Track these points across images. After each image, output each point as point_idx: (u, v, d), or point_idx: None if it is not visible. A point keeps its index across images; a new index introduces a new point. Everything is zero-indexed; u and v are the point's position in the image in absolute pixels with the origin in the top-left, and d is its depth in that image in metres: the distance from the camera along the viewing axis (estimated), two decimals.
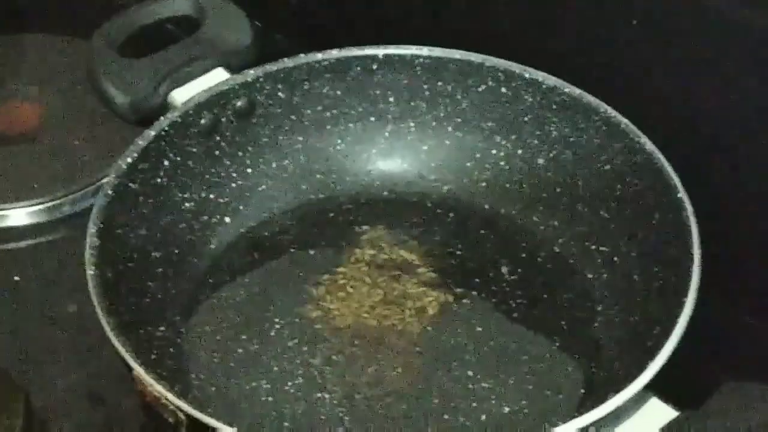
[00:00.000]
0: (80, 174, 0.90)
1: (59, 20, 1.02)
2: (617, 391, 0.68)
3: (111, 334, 0.69)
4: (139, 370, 0.68)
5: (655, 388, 0.68)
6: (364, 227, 0.86)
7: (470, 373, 0.77)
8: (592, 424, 0.66)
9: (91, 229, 0.75)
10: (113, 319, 0.70)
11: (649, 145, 0.79)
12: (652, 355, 0.69)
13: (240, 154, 0.86)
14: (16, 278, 0.85)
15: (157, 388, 0.68)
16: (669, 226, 0.76)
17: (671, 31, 0.81)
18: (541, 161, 0.85)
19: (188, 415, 0.67)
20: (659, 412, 0.68)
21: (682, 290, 0.72)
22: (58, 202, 0.89)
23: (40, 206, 0.89)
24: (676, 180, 0.77)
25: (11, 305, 0.84)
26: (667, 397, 0.68)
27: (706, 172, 0.81)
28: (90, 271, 0.73)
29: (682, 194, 0.76)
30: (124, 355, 0.68)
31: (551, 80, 0.84)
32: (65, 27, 1.01)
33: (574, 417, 0.72)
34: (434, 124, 0.88)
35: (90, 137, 0.93)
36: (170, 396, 0.67)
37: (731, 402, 0.66)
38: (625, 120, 0.81)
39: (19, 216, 0.89)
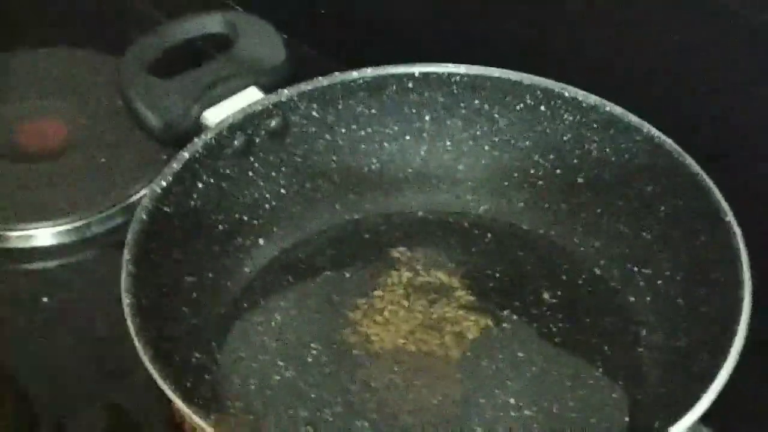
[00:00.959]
0: (108, 193, 0.89)
1: (86, 34, 1.00)
2: (664, 418, 0.66)
3: (150, 367, 0.68)
4: (179, 404, 0.66)
5: (706, 418, 0.66)
6: (400, 249, 0.84)
7: (512, 400, 0.75)
8: None
9: (126, 256, 0.74)
10: (151, 349, 0.69)
11: (695, 167, 0.77)
12: (700, 383, 0.67)
13: (273, 174, 0.84)
14: (44, 299, 0.84)
15: (196, 421, 0.66)
16: (715, 249, 0.75)
17: (714, 47, 0.80)
18: (581, 181, 0.84)
19: None
20: None
21: (731, 316, 0.70)
22: (85, 222, 0.88)
23: (67, 226, 0.87)
24: (723, 203, 0.75)
25: (38, 327, 0.82)
26: (720, 429, 0.66)
27: (754, 190, 0.79)
28: (126, 300, 0.71)
29: (730, 218, 0.74)
30: (164, 388, 0.67)
31: (592, 99, 0.82)
32: (93, 41, 0.99)
33: None
34: (471, 143, 0.86)
35: (117, 155, 0.91)
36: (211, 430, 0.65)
37: None
38: (669, 140, 0.79)
39: (45, 236, 0.87)
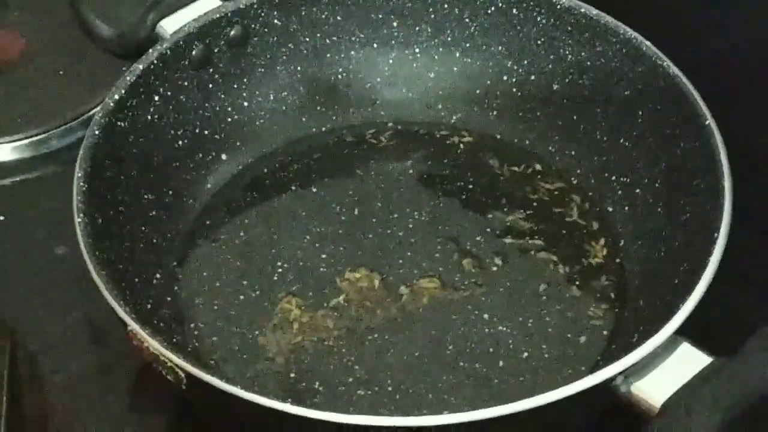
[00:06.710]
0: (67, 105, 0.87)
1: None
2: (644, 332, 0.65)
3: (104, 289, 0.65)
4: (135, 328, 0.63)
5: (686, 332, 0.64)
6: (370, 161, 0.82)
7: (486, 316, 0.73)
8: (620, 373, 0.62)
9: (78, 173, 0.71)
10: (106, 270, 0.66)
11: (673, 69, 0.75)
12: (681, 295, 0.65)
13: (235, 86, 0.82)
14: (1, 217, 0.82)
15: (154, 346, 0.63)
16: (695, 154, 0.72)
17: None
18: (556, 87, 0.82)
19: (188, 373, 0.63)
20: (692, 358, 0.63)
21: (711, 224, 0.68)
22: (44, 135, 0.86)
23: (26, 141, 0.86)
24: (703, 106, 0.73)
25: None
26: (699, 342, 0.64)
27: (734, 96, 0.76)
28: (78, 219, 0.69)
29: (710, 121, 0.72)
30: (119, 312, 0.64)
31: (565, 0, 0.80)
32: None
33: (598, 362, 0.70)
34: (441, 49, 0.84)
35: (76, 66, 0.89)
36: (169, 355, 0.63)
37: None
38: (647, 42, 0.77)
39: (4, 151, 0.86)
